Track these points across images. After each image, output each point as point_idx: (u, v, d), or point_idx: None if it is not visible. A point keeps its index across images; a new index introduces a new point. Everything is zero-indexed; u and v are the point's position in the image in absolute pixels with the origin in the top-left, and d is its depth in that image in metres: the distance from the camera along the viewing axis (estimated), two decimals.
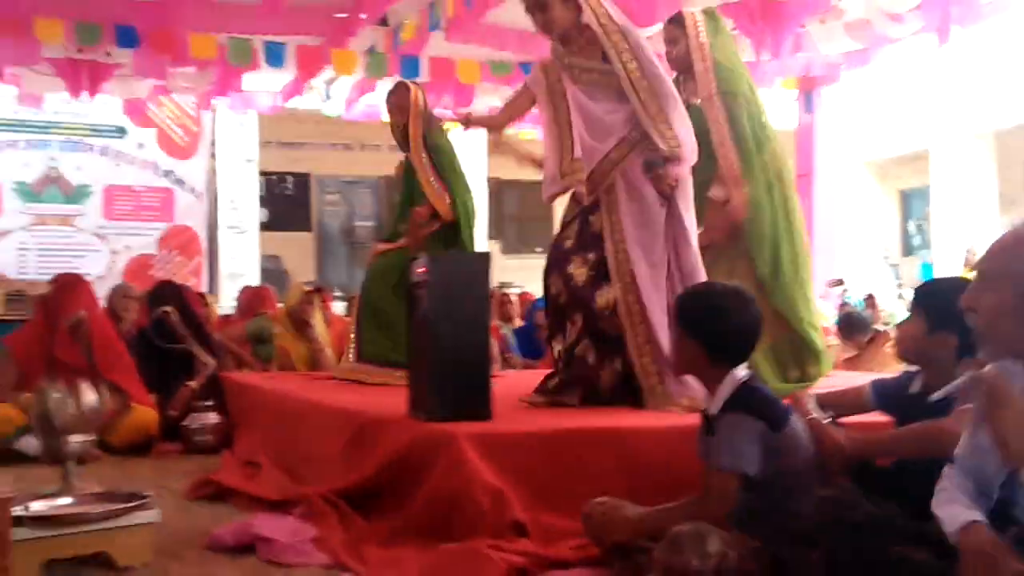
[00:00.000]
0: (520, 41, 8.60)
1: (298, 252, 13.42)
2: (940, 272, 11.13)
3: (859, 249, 12.45)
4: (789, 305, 4.04)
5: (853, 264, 11.42)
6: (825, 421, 2.71)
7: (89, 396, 2.90)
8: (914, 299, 2.76)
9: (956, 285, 2.70)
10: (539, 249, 10.91)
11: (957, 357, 2.53)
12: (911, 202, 13.90)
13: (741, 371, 2.58)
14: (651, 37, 7.36)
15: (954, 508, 1.95)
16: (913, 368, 2.78)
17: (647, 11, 7.00)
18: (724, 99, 4.06)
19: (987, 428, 1.88)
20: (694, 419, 3.05)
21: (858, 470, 2.65)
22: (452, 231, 4.94)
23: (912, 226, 13.87)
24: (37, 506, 2.67)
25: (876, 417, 2.91)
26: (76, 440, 2.88)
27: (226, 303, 9.84)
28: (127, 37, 8.07)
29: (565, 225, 3.88)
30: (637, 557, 2.50)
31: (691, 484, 2.70)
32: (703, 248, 3.83)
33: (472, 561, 2.53)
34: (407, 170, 5.17)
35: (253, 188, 11.68)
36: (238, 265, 11.44)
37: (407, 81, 5.47)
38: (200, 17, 8.01)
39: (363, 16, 8.18)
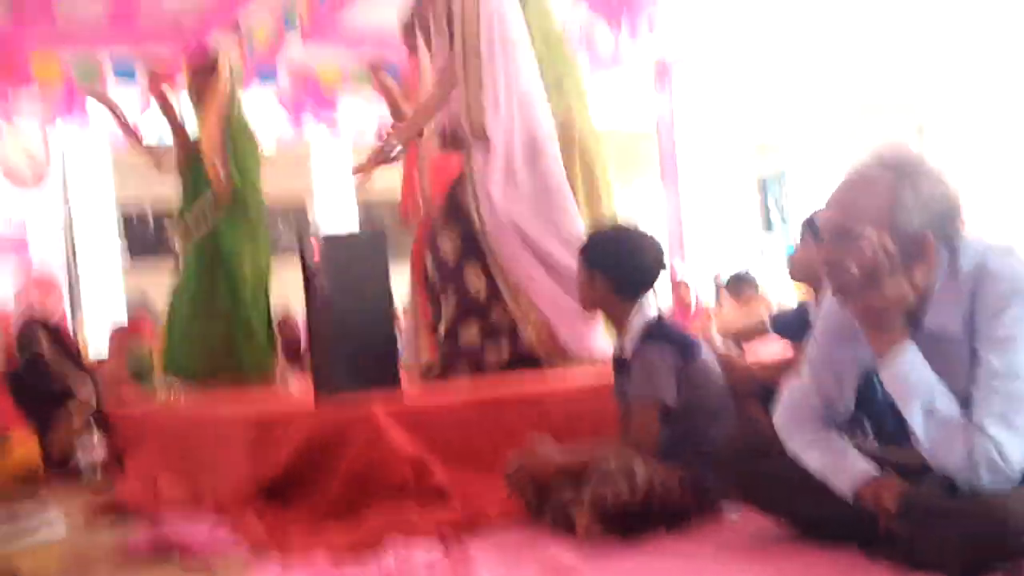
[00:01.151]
0: (378, 41, 8.59)
1: (165, 284, 12.95)
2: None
3: (724, 228, 12.84)
4: None
5: (719, 243, 11.75)
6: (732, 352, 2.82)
7: None
8: (804, 226, 2.89)
9: None
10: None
11: None
12: (768, 183, 14.45)
13: (649, 308, 2.66)
14: None
15: (830, 458, 2.04)
16: (809, 300, 2.93)
17: None
18: None
19: (853, 308, 1.92)
20: (603, 375, 3.12)
21: (766, 395, 2.74)
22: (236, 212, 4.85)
23: (771, 201, 14.45)
24: None
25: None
26: None
27: (95, 345, 9.39)
28: None
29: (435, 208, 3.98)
30: (566, 502, 2.52)
31: (608, 437, 2.75)
32: None
33: (400, 525, 2.50)
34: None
35: (112, 221, 11.20)
36: (103, 304, 10.98)
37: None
38: (43, 35, 7.63)
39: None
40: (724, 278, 8.94)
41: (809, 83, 11.21)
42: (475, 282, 3.72)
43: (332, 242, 3.15)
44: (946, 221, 1.88)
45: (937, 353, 1.87)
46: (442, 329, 3.77)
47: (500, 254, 3.71)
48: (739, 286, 7.06)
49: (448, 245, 3.77)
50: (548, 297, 3.66)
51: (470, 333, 3.70)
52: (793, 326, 2.94)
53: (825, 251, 1.93)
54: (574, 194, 3.98)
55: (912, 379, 1.86)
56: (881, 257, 1.83)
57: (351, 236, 3.10)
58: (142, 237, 13.30)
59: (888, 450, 2.19)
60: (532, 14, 4.13)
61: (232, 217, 4.80)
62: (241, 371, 4.75)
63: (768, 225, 14.41)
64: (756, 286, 7.07)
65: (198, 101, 4.92)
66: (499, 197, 3.70)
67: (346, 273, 3.09)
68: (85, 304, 10.75)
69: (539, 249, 3.70)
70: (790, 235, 12.69)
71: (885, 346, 1.88)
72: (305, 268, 3.31)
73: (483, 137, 3.68)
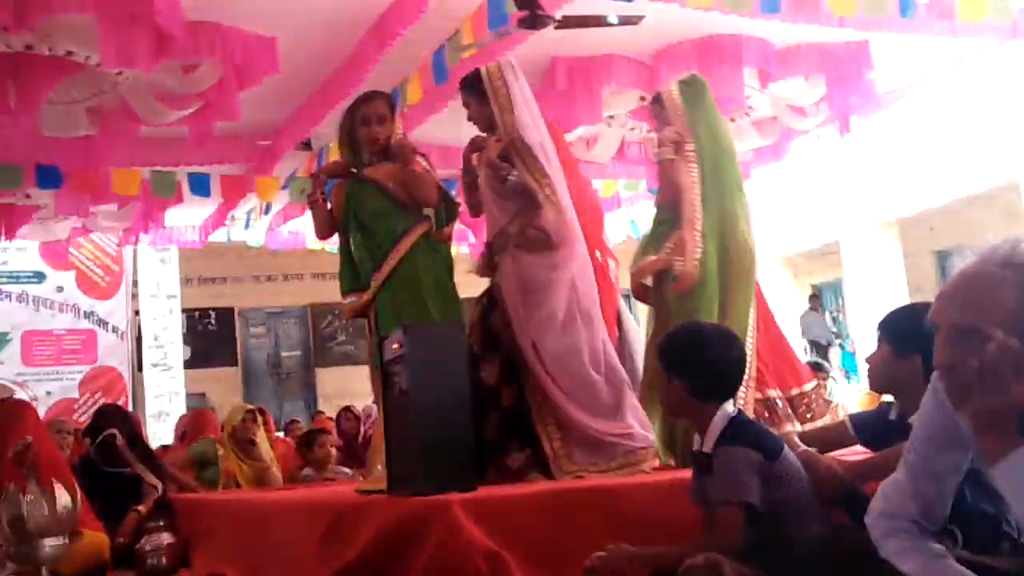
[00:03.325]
0: (443, 156, 8.84)
1: (224, 387, 13.17)
2: (861, 358, 11.47)
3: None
4: None
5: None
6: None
7: (64, 497, 2.79)
8: (879, 330, 2.87)
9: (915, 310, 2.87)
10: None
11: (924, 379, 2.63)
12: (823, 296, 14.41)
13: (730, 406, 2.65)
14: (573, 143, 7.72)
15: (925, 563, 1.98)
16: (889, 400, 2.89)
17: (568, 119, 7.35)
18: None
19: (969, 412, 1.88)
20: (678, 472, 3.09)
21: (848, 499, 2.70)
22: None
23: (827, 318, 14.35)
24: None
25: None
26: (51, 543, 2.75)
27: (153, 442, 9.53)
28: (49, 177, 7.94)
29: (469, 333, 3.90)
30: None
31: (684, 536, 2.72)
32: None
33: None
34: (356, 191, 4.27)
35: (176, 325, 11.51)
36: (163, 404, 11.20)
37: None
38: (124, 152, 7.93)
39: (284, 143, 8.28)
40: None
41: (865, 195, 11.31)
42: (510, 404, 3.82)
43: (413, 331, 3.18)
44: None
45: None
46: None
47: (528, 364, 3.77)
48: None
49: (489, 370, 3.83)
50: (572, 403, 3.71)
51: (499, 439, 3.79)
52: (874, 430, 2.89)
53: (944, 352, 1.89)
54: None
55: None
56: (1008, 359, 1.80)
57: (431, 325, 3.13)
58: (203, 345, 13.61)
59: (981, 558, 2.15)
60: (708, 102, 4.34)
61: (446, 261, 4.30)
62: None
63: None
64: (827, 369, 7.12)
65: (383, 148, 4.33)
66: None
67: (425, 364, 3.11)
68: (147, 406, 10.96)
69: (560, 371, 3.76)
70: (848, 347, 12.60)
71: (999, 451, 1.84)
72: (383, 359, 3.36)
73: (558, 243, 3.77)
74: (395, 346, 3.23)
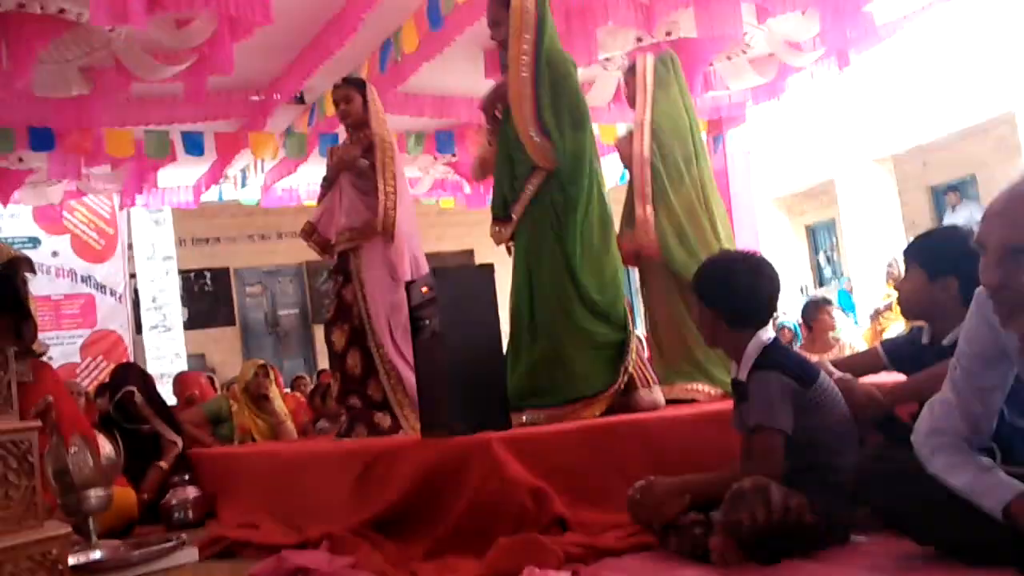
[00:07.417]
0: (437, 106, 8.77)
1: (223, 347, 13.18)
2: (859, 296, 11.53)
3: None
4: None
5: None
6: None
7: (107, 448, 2.80)
8: (907, 256, 2.85)
9: (947, 232, 2.87)
10: None
11: (961, 301, 2.63)
12: (817, 235, 14.46)
13: (765, 334, 2.66)
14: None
15: (976, 476, 2.02)
16: (919, 324, 2.91)
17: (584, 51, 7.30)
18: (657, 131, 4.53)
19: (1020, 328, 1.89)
20: (712, 404, 3.12)
21: (886, 422, 2.73)
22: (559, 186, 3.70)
23: (822, 258, 14.42)
24: (72, 560, 2.55)
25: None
26: (96, 494, 2.77)
27: None
28: (42, 139, 7.85)
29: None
30: (692, 529, 2.50)
31: (720, 465, 2.75)
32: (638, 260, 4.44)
33: (530, 550, 2.50)
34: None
35: (173, 287, 11.49)
36: (164, 365, 11.20)
37: None
38: (116, 112, 7.83)
39: (277, 96, 8.19)
40: (787, 324, 8.91)
41: (860, 131, 11.28)
42: (352, 367, 4.60)
43: (443, 276, 3.18)
44: None
45: None
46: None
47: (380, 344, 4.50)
48: (814, 310, 6.94)
49: (339, 337, 4.64)
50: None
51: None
52: (906, 356, 2.90)
53: (992, 271, 1.89)
54: (715, 236, 4.38)
55: None
56: None
57: (462, 269, 3.12)
58: (200, 306, 13.60)
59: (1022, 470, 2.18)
60: (678, 82, 4.68)
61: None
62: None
63: (821, 280, 14.37)
64: (829, 307, 6.98)
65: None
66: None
67: (456, 306, 3.11)
68: (149, 364, 10.95)
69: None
70: (844, 286, 12.66)
71: None
72: (412, 304, 3.37)
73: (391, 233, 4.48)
74: (423, 290, 3.23)
